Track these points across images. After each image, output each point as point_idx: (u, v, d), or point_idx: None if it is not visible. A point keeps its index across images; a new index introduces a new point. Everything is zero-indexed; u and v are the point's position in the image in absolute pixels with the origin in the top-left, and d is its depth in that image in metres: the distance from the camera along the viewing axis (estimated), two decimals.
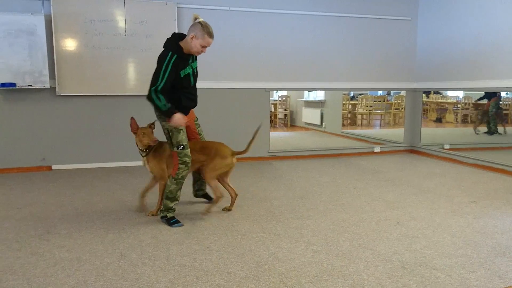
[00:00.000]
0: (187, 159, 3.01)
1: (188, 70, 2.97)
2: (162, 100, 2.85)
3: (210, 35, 2.86)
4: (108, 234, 2.83)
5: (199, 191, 3.60)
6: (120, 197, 3.77)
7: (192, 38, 2.85)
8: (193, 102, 3.15)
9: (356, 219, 3.15)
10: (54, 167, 5.00)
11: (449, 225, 3.01)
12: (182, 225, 3.00)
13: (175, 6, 5.03)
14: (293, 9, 5.54)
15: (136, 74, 5.01)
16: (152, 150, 3.19)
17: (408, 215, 3.25)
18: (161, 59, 2.84)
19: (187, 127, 3.19)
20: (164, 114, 2.92)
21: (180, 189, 3.07)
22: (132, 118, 3.20)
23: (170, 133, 2.98)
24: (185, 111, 3.07)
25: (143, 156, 3.21)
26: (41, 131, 4.91)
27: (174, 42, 2.89)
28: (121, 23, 4.87)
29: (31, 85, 4.64)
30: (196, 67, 3.12)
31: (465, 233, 2.85)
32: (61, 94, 4.82)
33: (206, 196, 3.62)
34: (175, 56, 2.84)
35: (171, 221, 3.02)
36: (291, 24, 5.57)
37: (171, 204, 3.05)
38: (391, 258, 2.43)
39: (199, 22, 2.85)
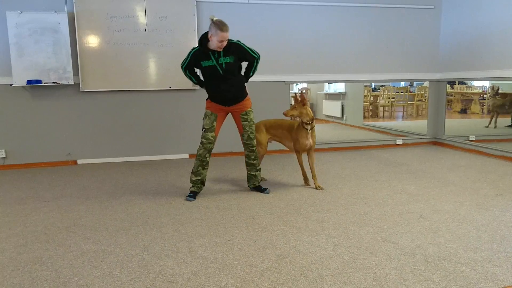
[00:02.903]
0: (204, 140, 3.47)
1: (210, 63, 3.32)
2: (188, 76, 3.48)
3: (222, 29, 3.13)
4: (132, 227, 2.89)
5: (250, 184, 3.78)
6: (143, 191, 3.84)
7: (210, 37, 3.21)
8: (219, 95, 3.43)
9: (378, 212, 3.12)
10: (79, 161, 5.13)
11: (474, 219, 2.94)
12: (192, 200, 3.47)
13: (195, 0, 5.04)
14: (312, 1, 5.48)
15: (157, 69, 5.07)
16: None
17: (432, 208, 3.19)
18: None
19: (234, 117, 3.59)
20: (200, 86, 3.60)
21: (200, 165, 3.51)
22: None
23: (203, 118, 3.52)
24: (216, 101, 3.47)
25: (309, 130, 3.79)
26: (66, 126, 5.04)
27: (201, 38, 3.32)
28: (141, 18, 4.93)
29: (56, 82, 4.76)
30: (228, 63, 3.33)
31: (491, 226, 2.79)
32: (85, 90, 4.92)
33: (258, 188, 3.74)
34: (197, 48, 3.36)
35: (187, 195, 3.54)
36: (310, 15, 5.51)
37: (194, 178, 3.55)
38: (414, 251, 2.40)
39: (213, 22, 3.16)
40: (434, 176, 4.20)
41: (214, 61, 3.30)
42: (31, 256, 2.43)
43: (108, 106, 5.10)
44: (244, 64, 3.53)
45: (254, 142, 3.61)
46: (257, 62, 3.53)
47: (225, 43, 3.22)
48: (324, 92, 8.63)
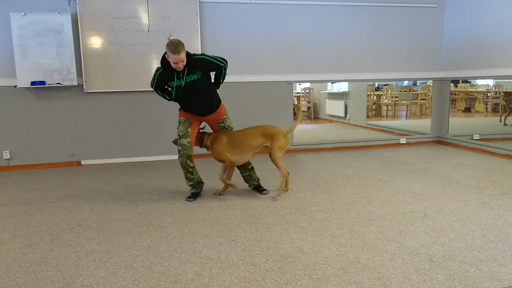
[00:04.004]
0: (180, 148, 3.40)
1: (178, 83, 3.25)
2: (161, 95, 3.42)
3: (174, 52, 3.03)
4: (135, 227, 2.90)
5: (250, 185, 3.77)
6: (146, 191, 3.85)
7: (167, 57, 3.13)
8: (193, 110, 3.39)
9: (382, 211, 3.11)
10: (83, 162, 5.15)
11: (479, 218, 2.93)
12: (192, 201, 3.49)
13: (197, 1, 5.05)
14: (315, 0, 5.47)
15: None
16: (207, 141, 3.50)
17: (436, 207, 3.18)
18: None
19: (210, 125, 3.58)
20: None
21: (188, 172, 3.46)
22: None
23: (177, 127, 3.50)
24: (190, 113, 3.44)
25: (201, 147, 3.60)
26: (70, 127, 5.06)
27: (162, 59, 3.22)
28: (144, 19, 4.94)
29: (59, 83, 4.78)
30: (195, 80, 3.25)
31: (496, 225, 2.77)
32: (89, 91, 4.94)
33: (257, 188, 3.73)
34: (160, 70, 3.27)
35: (188, 196, 3.57)
36: (313, 15, 5.51)
37: (189, 183, 3.55)
38: (418, 251, 2.40)
39: (167, 43, 3.08)
40: (438, 175, 4.18)
41: (181, 80, 3.23)
42: (36, 257, 2.44)
43: (112, 106, 5.12)
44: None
45: None
46: (225, 69, 3.43)
47: (181, 64, 3.11)
48: (327, 91, 8.62)
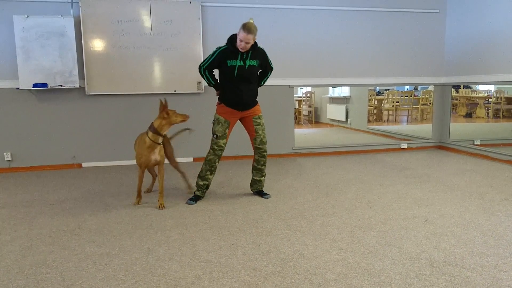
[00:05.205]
0: (215, 147, 3.48)
1: (236, 63, 3.37)
2: (206, 77, 3.49)
3: (244, 28, 3.22)
4: (136, 230, 2.90)
5: (254, 189, 3.79)
6: (147, 194, 3.84)
7: (238, 35, 3.30)
8: (237, 97, 3.43)
9: (383, 216, 3.11)
10: (84, 164, 5.15)
11: (480, 223, 2.92)
12: (193, 204, 3.49)
13: (200, 4, 5.07)
14: (317, 5, 5.49)
15: (162, 73, 5.09)
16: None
17: (437, 212, 3.18)
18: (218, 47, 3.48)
19: (245, 122, 3.58)
20: (215, 89, 3.57)
21: (209, 170, 3.54)
22: (164, 99, 3.38)
23: (213, 122, 3.53)
24: (231, 104, 3.46)
25: (159, 143, 3.36)
26: (71, 129, 5.07)
27: (231, 37, 3.40)
28: (147, 22, 4.96)
29: (61, 85, 4.79)
30: (253, 66, 3.42)
31: (497, 231, 2.77)
32: (90, 94, 4.95)
33: (259, 193, 3.74)
34: (225, 47, 3.40)
35: (189, 198, 3.57)
36: (315, 19, 5.52)
37: (201, 182, 3.57)
38: (419, 256, 2.39)
39: (245, 22, 3.28)
40: (439, 181, 4.18)
41: (241, 61, 3.37)
42: (36, 259, 2.44)
43: (113, 109, 5.13)
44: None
45: (266, 147, 3.61)
46: (270, 73, 3.67)
47: (244, 44, 3.27)
48: (329, 96, 8.62)
